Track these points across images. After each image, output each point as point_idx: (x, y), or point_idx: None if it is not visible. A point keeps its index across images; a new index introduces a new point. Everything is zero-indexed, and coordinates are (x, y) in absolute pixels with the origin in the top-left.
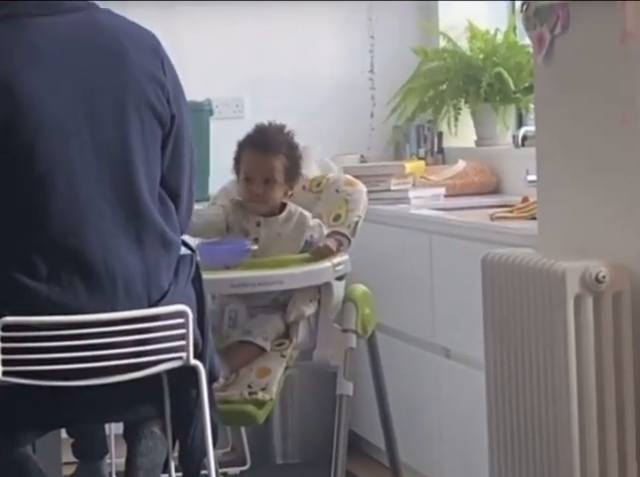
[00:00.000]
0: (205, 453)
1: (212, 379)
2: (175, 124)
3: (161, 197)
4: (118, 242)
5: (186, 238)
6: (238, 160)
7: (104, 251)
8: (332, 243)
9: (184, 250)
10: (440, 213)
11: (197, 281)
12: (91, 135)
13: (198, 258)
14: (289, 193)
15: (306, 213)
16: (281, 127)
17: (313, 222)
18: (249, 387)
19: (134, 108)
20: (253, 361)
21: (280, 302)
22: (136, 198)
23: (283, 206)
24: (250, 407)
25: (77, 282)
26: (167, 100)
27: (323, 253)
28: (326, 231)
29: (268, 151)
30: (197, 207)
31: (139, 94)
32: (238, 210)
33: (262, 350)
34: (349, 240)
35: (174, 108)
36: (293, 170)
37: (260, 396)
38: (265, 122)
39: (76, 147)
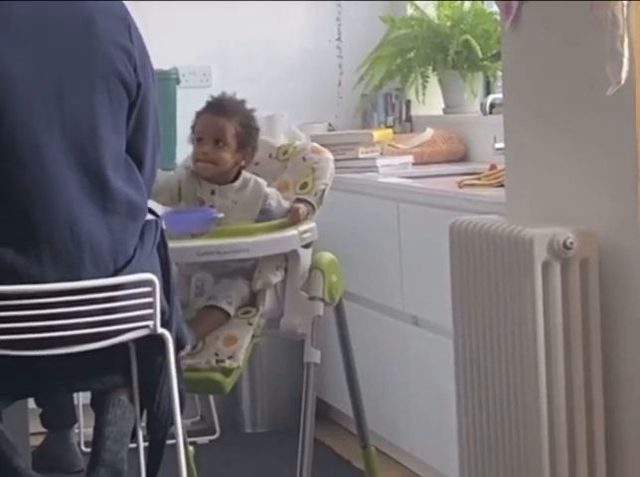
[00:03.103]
0: (172, 421)
1: (179, 346)
2: (141, 92)
3: (128, 163)
4: (84, 211)
5: (151, 204)
6: (193, 128)
7: (70, 220)
8: (303, 209)
9: (149, 216)
10: (408, 181)
11: (162, 247)
12: (58, 104)
13: (163, 226)
14: (242, 163)
15: (261, 180)
16: (241, 100)
17: (269, 189)
18: (216, 354)
19: (101, 77)
20: (220, 328)
21: (247, 270)
22: (101, 167)
23: (238, 175)
24: (217, 375)
25: (42, 251)
26: (134, 68)
27: (297, 215)
28: (284, 200)
29: (221, 113)
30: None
31: (106, 63)
32: (192, 178)
33: (227, 315)
34: (314, 209)
35: (141, 77)
36: (246, 140)
37: (228, 363)
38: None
39: (41, 115)
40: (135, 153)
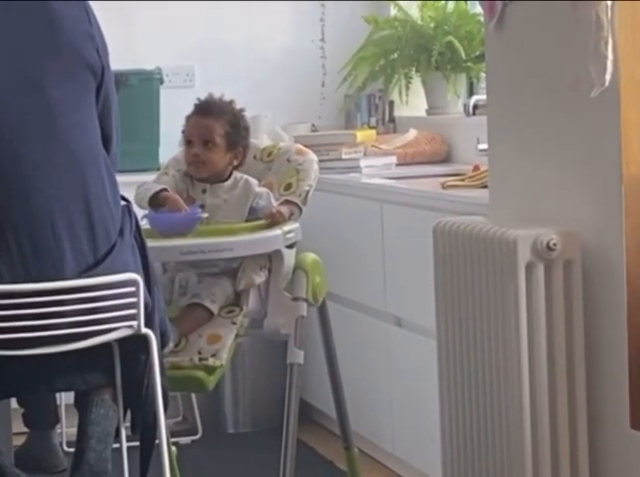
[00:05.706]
0: (156, 420)
1: (163, 343)
2: (105, 74)
3: (105, 156)
4: (64, 205)
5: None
6: (184, 131)
7: (51, 216)
8: (285, 210)
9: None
10: (392, 181)
11: (138, 234)
12: (30, 99)
13: (148, 227)
14: (234, 162)
15: (252, 180)
16: (229, 100)
17: (260, 189)
18: (200, 353)
19: (69, 68)
20: (203, 327)
21: (231, 270)
22: (78, 159)
23: (230, 174)
24: (201, 373)
25: (25, 250)
26: (97, 51)
27: (275, 218)
28: (275, 201)
29: (209, 114)
30: (146, 178)
31: (72, 53)
32: (185, 178)
33: (210, 314)
34: (300, 210)
35: (103, 59)
36: (235, 139)
37: (211, 362)
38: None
39: (15, 112)
40: (104, 131)
